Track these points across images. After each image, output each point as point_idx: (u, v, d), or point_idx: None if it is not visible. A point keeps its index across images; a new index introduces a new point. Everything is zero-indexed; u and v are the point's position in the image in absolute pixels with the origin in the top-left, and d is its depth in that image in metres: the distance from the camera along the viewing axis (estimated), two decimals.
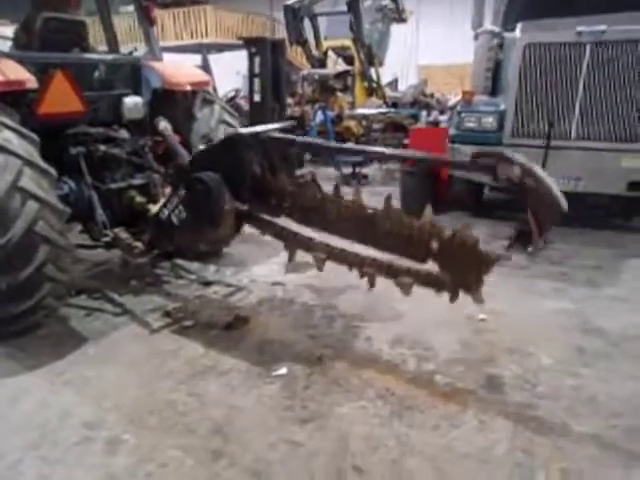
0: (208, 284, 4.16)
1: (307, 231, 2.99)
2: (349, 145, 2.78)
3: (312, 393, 2.70)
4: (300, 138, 3.05)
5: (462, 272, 2.44)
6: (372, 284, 2.79)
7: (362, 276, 2.79)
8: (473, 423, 2.46)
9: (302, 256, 3.03)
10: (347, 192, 2.81)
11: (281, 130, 3.12)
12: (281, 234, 3.07)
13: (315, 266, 2.95)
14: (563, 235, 5.14)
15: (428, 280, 2.57)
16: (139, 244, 3.49)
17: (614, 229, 5.38)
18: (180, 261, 4.54)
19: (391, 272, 2.67)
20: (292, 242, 3.04)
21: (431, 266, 2.56)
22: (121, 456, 2.29)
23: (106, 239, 3.54)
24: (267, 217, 3.10)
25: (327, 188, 2.95)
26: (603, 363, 2.96)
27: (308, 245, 2.97)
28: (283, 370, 2.91)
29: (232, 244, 4.54)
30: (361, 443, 2.34)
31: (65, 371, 2.95)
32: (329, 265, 2.92)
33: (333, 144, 2.89)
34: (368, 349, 3.11)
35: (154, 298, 3.92)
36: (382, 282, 2.73)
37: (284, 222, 3.06)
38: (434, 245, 2.46)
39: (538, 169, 2.27)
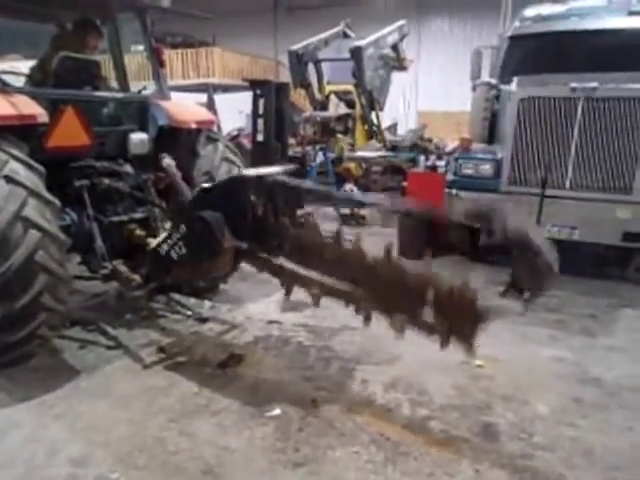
0: (204, 320, 4.14)
1: (303, 269, 2.99)
2: (349, 194, 2.81)
3: (305, 436, 2.66)
4: (304, 184, 3.09)
5: (457, 324, 2.45)
6: (368, 320, 2.76)
7: (358, 312, 2.78)
8: (468, 472, 2.42)
9: (299, 293, 3.04)
10: (345, 232, 2.85)
11: (284, 173, 3.19)
12: (278, 271, 3.08)
13: (312, 305, 2.95)
14: (559, 282, 5.14)
15: (422, 324, 2.57)
16: (137, 277, 3.49)
17: (610, 278, 5.41)
18: (176, 296, 4.52)
19: (387, 311, 2.67)
20: (289, 279, 3.05)
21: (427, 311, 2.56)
22: None
23: (104, 271, 3.55)
24: (265, 256, 3.12)
25: (325, 227, 2.99)
26: (600, 414, 2.93)
27: (305, 282, 2.98)
28: (277, 411, 2.87)
29: (229, 281, 4.56)
30: None
31: (56, 405, 2.91)
32: (325, 304, 2.93)
33: (335, 192, 2.91)
34: (363, 392, 3.08)
35: (148, 332, 3.89)
36: (378, 324, 2.73)
37: (281, 261, 3.07)
38: (430, 296, 2.48)
39: (531, 233, 2.30)
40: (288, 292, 3.10)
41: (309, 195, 3.02)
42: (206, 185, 3.29)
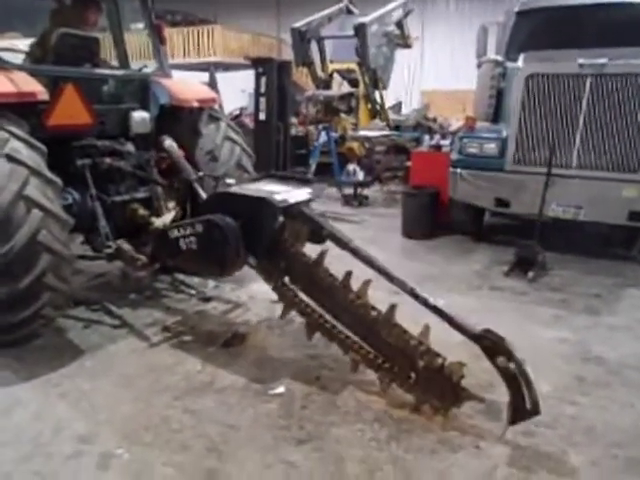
0: (207, 300, 4.16)
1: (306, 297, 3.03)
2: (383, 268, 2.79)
3: (309, 413, 2.68)
4: (330, 228, 2.98)
5: (436, 396, 2.60)
6: (355, 369, 2.91)
7: (346, 354, 2.92)
8: (471, 449, 2.44)
9: None
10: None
11: (312, 199, 3.16)
12: (281, 289, 3.08)
13: None
14: (563, 262, 5.17)
15: (404, 384, 2.71)
16: (142, 257, 3.49)
17: (614, 258, 5.39)
18: (180, 276, 4.53)
19: (374, 365, 2.80)
20: (290, 301, 3.06)
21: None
22: (114, 471, 2.27)
23: (108, 251, 3.54)
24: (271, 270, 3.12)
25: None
26: (602, 392, 2.94)
27: (304, 310, 3.02)
28: (281, 389, 2.89)
29: None
30: (357, 466, 2.32)
31: (61, 383, 2.93)
32: None
33: (365, 254, 2.82)
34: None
35: (153, 312, 3.91)
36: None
37: (287, 280, 3.08)
38: (420, 364, 2.59)
39: (529, 372, 2.38)
40: (284, 314, 3.15)
41: (330, 237, 2.97)
42: (231, 190, 3.20)
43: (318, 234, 3.05)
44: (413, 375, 2.65)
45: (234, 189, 3.21)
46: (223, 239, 2.90)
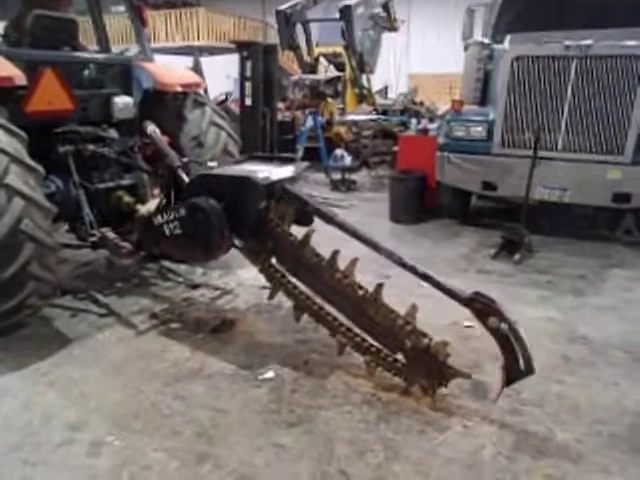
0: (195, 286, 4.14)
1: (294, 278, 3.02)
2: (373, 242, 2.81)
3: (299, 397, 2.70)
4: (314, 204, 2.95)
5: (424, 376, 2.63)
6: (341, 352, 2.92)
7: (333, 336, 2.93)
8: (458, 428, 2.47)
9: None
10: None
11: (295, 178, 3.12)
12: (268, 270, 3.06)
13: None
14: (549, 244, 5.22)
15: (391, 367, 2.74)
16: (127, 244, 3.45)
17: (599, 239, 5.45)
18: (167, 263, 4.50)
19: (361, 349, 2.83)
20: (277, 281, 3.04)
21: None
22: (105, 458, 2.27)
23: (93, 239, 3.50)
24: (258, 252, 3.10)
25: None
26: (587, 371, 3.00)
27: (291, 291, 3.01)
28: (270, 374, 2.90)
29: None
30: (347, 447, 2.34)
31: (49, 372, 2.92)
32: None
33: (350, 226, 2.82)
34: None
35: (140, 300, 3.88)
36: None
37: (274, 262, 3.07)
38: (407, 344, 2.61)
39: (521, 331, 2.41)
40: (271, 296, 3.14)
41: (316, 214, 2.95)
42: (213, 171, 3.15)
43: (304, 213, 3.03)
44: (400, 356, 2.68)
45: (216, 170, 3.17)
46: (207, 222, 2.86)
